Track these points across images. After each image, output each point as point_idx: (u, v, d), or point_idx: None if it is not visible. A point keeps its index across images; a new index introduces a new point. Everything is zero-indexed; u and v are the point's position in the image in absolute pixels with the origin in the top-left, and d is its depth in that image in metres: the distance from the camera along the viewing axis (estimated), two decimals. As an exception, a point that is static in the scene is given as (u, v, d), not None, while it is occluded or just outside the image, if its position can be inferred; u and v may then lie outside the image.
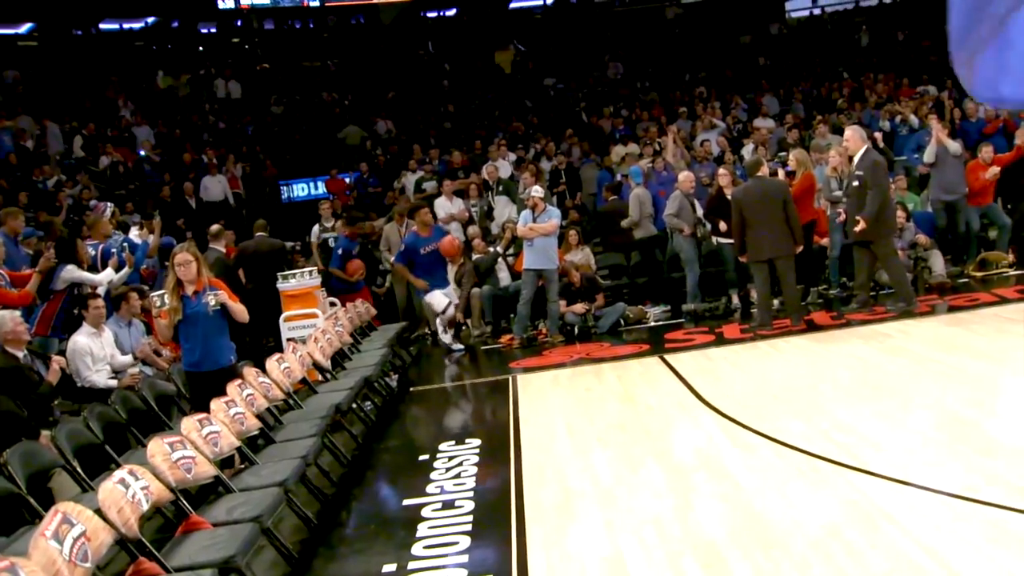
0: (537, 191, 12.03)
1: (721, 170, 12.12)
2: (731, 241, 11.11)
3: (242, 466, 5.97)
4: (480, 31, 26.24)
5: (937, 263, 11.67)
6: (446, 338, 12.23)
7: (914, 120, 16.08)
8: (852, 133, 10.70)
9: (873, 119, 17.76)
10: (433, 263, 11.95)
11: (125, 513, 4.25)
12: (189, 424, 5.48)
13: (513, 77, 24.39)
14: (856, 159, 10.40)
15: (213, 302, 6.73)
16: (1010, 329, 9.15)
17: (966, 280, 11.98)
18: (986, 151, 12.82)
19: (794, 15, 28.45)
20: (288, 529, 5.71)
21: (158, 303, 6.78)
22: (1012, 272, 12.25)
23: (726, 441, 6.63)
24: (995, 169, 12.48)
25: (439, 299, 11.92)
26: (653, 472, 6.14)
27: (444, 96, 22.77)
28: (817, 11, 28.67)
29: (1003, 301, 10.47)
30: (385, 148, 19.42)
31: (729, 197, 11.16)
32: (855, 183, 10.36)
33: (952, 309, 10.32)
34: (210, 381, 6.73)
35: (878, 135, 14.39)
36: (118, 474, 4.49)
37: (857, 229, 10.14)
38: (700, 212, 12.47)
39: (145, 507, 4.49)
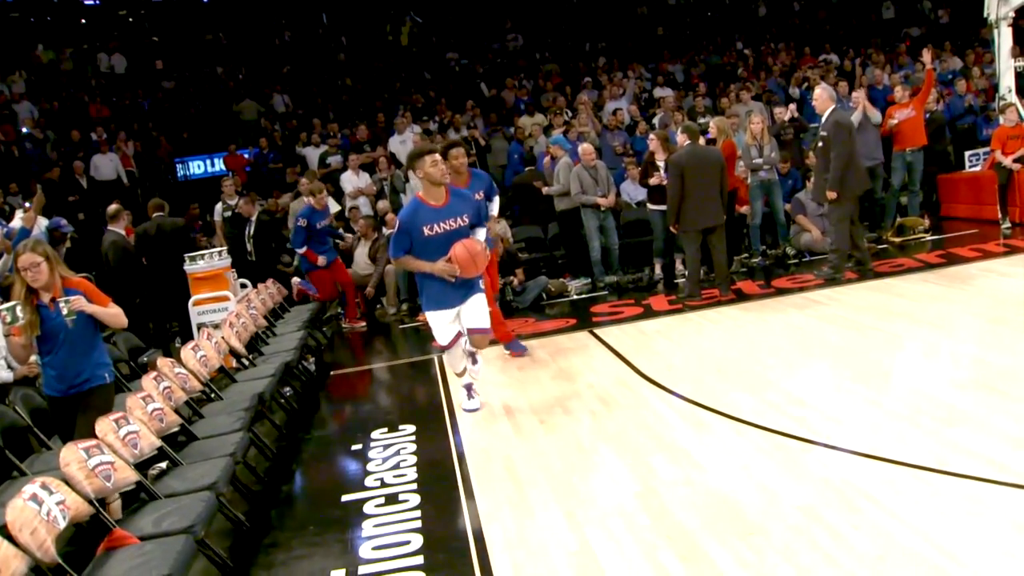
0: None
1: (652, 136, 11.81)
2: (663, 208, 10.77)
3: (163, 467, 5.43)
4: (376, 3, 25.49)
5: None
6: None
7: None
8: (820, 92, 10.63)
9: (779, 87, 17.79)
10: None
11: (40, 535, 3.73)
12: (105, 425, 4.90)
13: (410, 50, 23.79)
14: (823, 119, 10.33)
15: (66, 311, 5.40)
16: (942, 295, 9.13)
17: (885, 246, 11.96)
18: (899, 91, 12.92)
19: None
20: (217, 534, 5.20)
21: (8, 318, 5.32)
22: (929, 237, 12.33)
23: (678, 419, 6.33)
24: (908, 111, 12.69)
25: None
26: (607, 457, 5.81)
27: (341, 69, 22.08)
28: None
29: (928, 266, 10.47)
30: (283, 123, 18.69)
31: (660, 163, 10.88)
32: (819, 144, 10.39)
33: (878, 275, 10.22)
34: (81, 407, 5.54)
35: (792, 106, 14.42)
36: (28, 488, 3.91)
37: (830, 197, 10.11)
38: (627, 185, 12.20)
39: (62, 525, 3.96)
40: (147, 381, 5.96)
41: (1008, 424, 5.37)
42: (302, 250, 11.44)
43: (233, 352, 8.17)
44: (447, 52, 22.73)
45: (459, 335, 6.98)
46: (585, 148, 12.28)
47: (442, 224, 6.70)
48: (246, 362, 8.25)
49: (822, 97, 10.41)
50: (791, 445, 5.55)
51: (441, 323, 6.95)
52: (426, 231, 6.67)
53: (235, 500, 5.57)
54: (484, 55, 22.79)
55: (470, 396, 7.34)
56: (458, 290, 6.83)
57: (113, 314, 5.67)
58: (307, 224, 11.30)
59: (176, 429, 5.82)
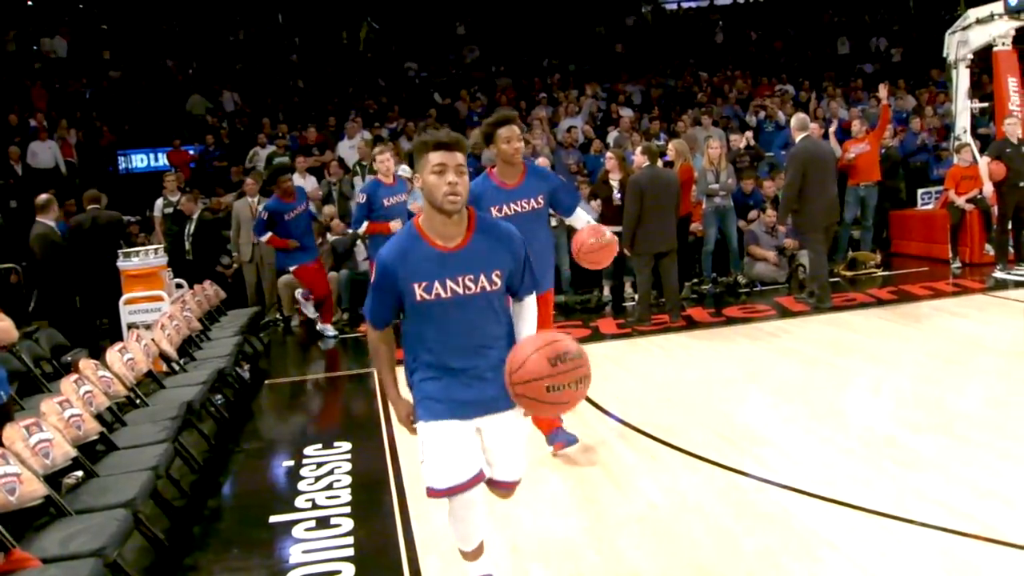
0: (405, 170, 11.25)
1: (609, 154, 11.60)
2: (616, 230, 10.52)
3: (79, 475, 5.05)
4: (333, 7, 25.10)
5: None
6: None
7: (781, 117, 16.07)
8: (793, 121, 10.59)
9: (735, 114, 17.74)
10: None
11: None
12: (13, 433, 4.49)
13: (365, 55, 23.44)
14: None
15: None
16: (895, 332, 9.01)
17: (836, 279, 11.85)
18: (857, 124, 12.94)
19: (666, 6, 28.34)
20: (132, 552, 4.84)
21: None
22: (880, 272, 12.28)
23: (628, 451, 6.08)
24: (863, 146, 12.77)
25: None
26: (554, 487, 5.54)
27: (294, 70, 21.66)
28: (673, 6, 28.66)
29: (880, 302, 10.38)
30: (232, 121, 18.23)
31: (614, 182, 10.67)
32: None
33: (831, 309, 10.09)
34: None
35: (748, 134, 14.34)
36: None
37: (781, 228, 10.10)
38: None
39: (-42, 542, 3.59)
40: (66, 384, 5.56)
41: (969, 471, 5.20)
42: (265, 237, 10.74)
43: (163, 356, 7.76)
44: (405, 61, 22.42)
45: (479, 476, 3.77)
46: (541, 163, 12.02)
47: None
48: (176, 367, 7.85)
49: (792, 126, 10.38)
50: (746, 484, 5.31)
51: (442, 445, 3.72)
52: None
53: (155, 516, 5.20)
54: (439, 65, 22.52)
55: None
56: (483, 385, 3.71)
57: (2, 328, 5.20)
58: (269, 214, 10.60)
59: (95, 438, 5.40)
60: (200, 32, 22.98)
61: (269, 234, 10.62)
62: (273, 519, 5.38)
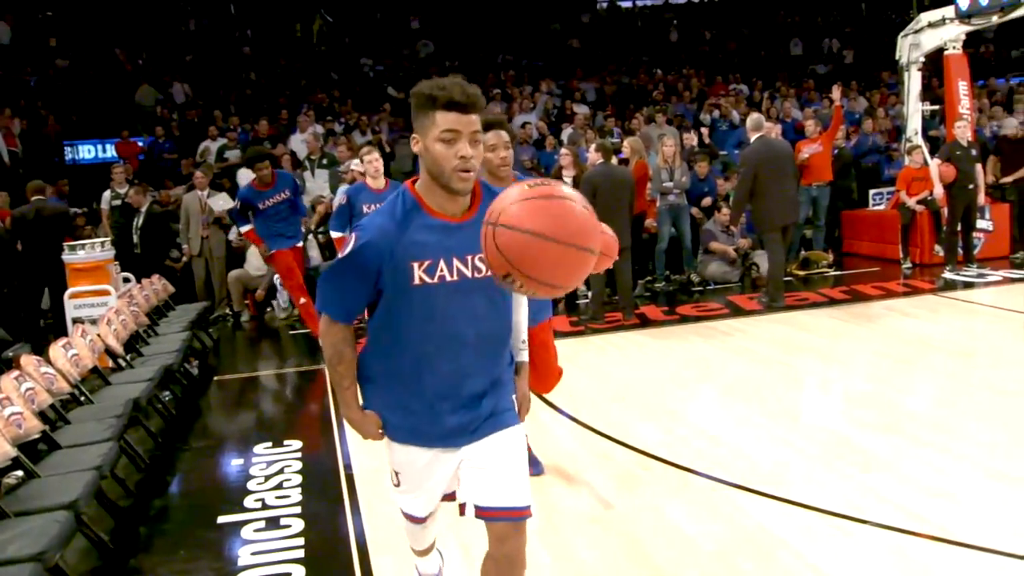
0: (358, 165, 11.13)
1: (564, 150, 11.58)
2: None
3: (20, 475, 4.90)
4: (286, -1, 24.87)
5: (764, 262, 11.56)
6: None
7: (735, 116, 16.14)
8: (749, 121, 10.65)
9: (688, 112, 17.79)
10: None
11: None
12: (-48, 430, 4.37)
13: (319, 48, 23.22)
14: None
15: None
16: (847, 331, 9.07)
17: (789, 279, 11.91)
18: (810, 124, 13.02)
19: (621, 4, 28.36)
20: (75, 556, 4.72)
21: None
22: (832, 272, 12.38)
23: (582, 450, 6.04)
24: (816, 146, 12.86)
25: None
26: (507, 486, 5.47)
27: (245, 63, 21.40)
28: (628, 3, 28.71)
29: (832, 302, 10.45)
30: (182, 113, 17.96)
31: (568, 179, 10.63)
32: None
33: (784, 308, 10.14)
34: None
35: (704, 131, 14.39)
36: None
37: (734, 228, 10.13)
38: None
39: None
40: (6, 381, 5.39)
41: (920, 471, 5.22)
42: (244, 229, 10.09)
43: (109, 352, 7.59)
44: (358, 55, 22.25)
45: (452, 495, 3.19)
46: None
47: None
48: (123, 363, 7.68)
49: (748, 126, 10.43)
50: (700, 483, 5.29)
51: (414, 478, 3.16)
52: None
53: (99, 517, 5.07)
54: (393, 59, 22.37)
55: None
56: (476, 404, 2.99)
57: None
58: (242, 204, 9.93)
59: (37, 436, 5.26)
60: (150, 21, 22.61)
61: (248, 226, 9.99)
62: (222, 519, 5.27)
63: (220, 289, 12.29)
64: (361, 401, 3.09)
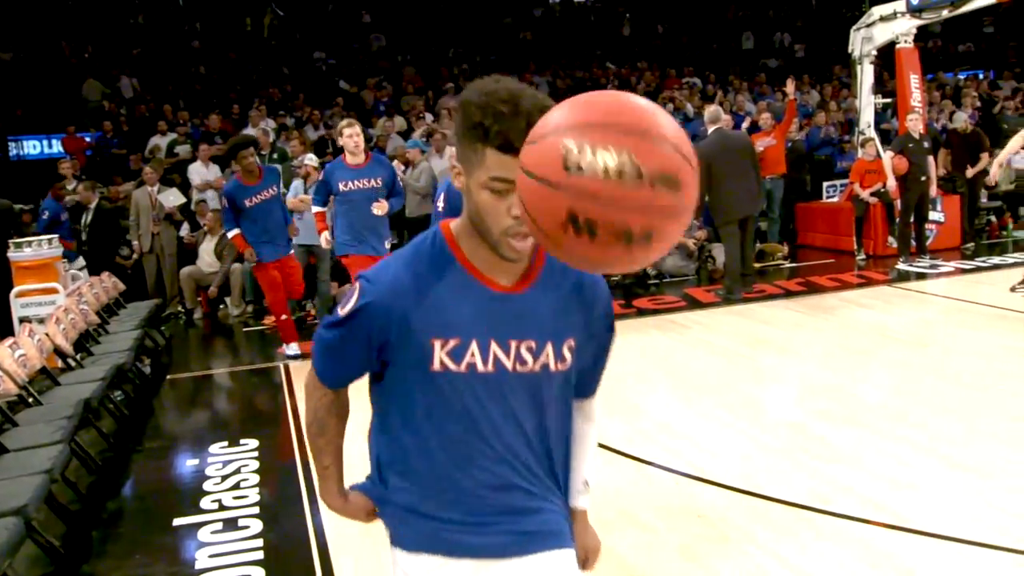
0: (311, 159, 11.04)
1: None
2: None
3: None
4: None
5: (720, 254, 11.59)
6: None
7: (689, 109, 16.19)
8: (706, 114, 10.72)
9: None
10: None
11: None
12: None
13: (270, 42, 22.99)
14: None
15: None
16: (805, 323, 9.12)
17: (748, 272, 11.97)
18: (764, 117, 13.09)
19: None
20: (25, 563, 4.59)
21: None
22: (787, 264, 12.46)
23: (544, 445, 5.98)
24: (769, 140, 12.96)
25: None
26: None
27: (195, 57, 21.12)
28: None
29: (788, 293, 10.51)
30: (130, 107, 17.66)
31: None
32: None
33: (741, 300, 10.17)
34: None
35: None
36: None
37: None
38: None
39: None
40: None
41: (881, 461, 5.24)
42: (232, 233, 8.94)
43: (58, 351, 7.41)
44: (310, 49, 22.05)
45: None
46: (455, 154, 11.92)
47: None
48: (73, 363, 7.51)
49: (705, 119, 10.52)
50: (664, 477, 5.27)
51: None
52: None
53: (50, 522, 4.94)
54: (345, 53, 22.20)
55: None
56: (515, 522, 2.09)
57: None
58: (227, 200, 8.82)
59: (-16, 439, 5.13)
60: (96, 14, 22.25)
61: (236, 230, 8.81)
62: (177, 522, 5.16)
63: (171, 286, 12.09)
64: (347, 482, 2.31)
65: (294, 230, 9.58)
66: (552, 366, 2.03)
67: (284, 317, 9.16)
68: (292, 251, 9.33)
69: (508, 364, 1.99)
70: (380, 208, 8.00)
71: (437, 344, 1.96)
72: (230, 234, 9.00)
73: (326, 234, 8.55)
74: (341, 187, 8.09)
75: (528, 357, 2.00)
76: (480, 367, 1.98)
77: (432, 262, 2.00)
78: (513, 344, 1.99)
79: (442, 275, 1.99)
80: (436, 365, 1.97)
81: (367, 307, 1.98)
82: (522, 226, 1.81)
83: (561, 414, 2.15)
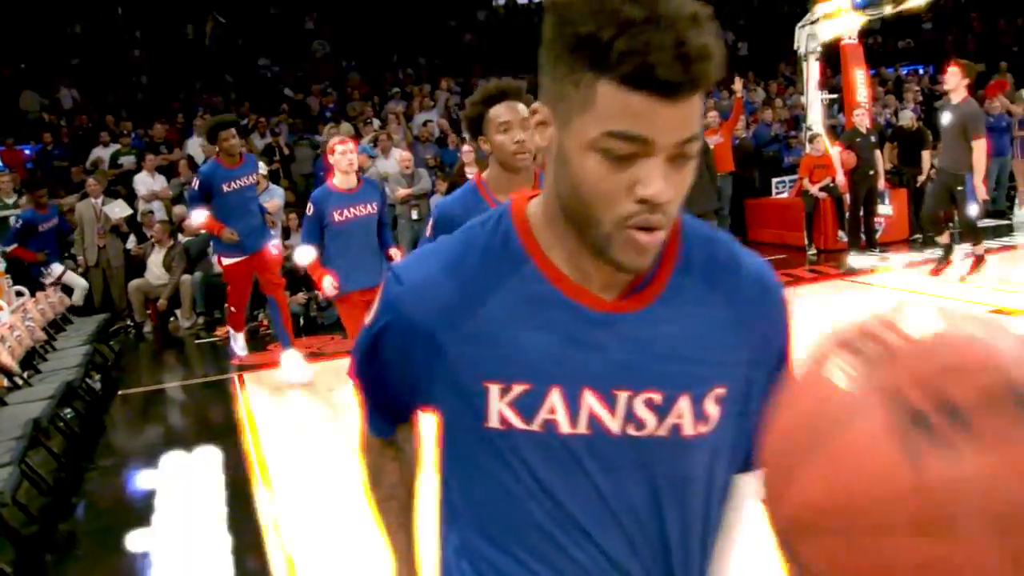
0: (260, 168, 10.87)
1: (466, 147, 11.49)
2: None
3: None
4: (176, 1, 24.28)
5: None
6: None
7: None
8: None
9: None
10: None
11: None
12: None
13: (212, 50, 22.76)
14: None
15: None
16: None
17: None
18: (711, 115, 13.16)
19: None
20: (-23, 588, 4.45)
21: None
22: (739, 261, 12.51)
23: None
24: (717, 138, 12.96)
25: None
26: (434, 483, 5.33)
27: (136, 66, 20.83)
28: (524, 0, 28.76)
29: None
30: (71, 119, 17.36)
31: (471, 176, 10.54)
32: None
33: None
34: None
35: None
36: None
37: None
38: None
39: None
40: None
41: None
42: (200, 220, 8.10)
43: (4, 370, 7.22)
44: (253, 56, 21.86)
45: None
46: (404, 156, 11.97)
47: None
48: (19, 381, 7.32)
49: None
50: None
51: None
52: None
53: (1, 546, 4.79)
54: (289, 60, 22.04)
55: None
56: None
57: None
58: (201, 183, 8.01)
59: (-70, 463, 4.96)
60: (32, 24, 21.86)
61: (206, 215, 7.99)
62: (133, 540, 5.04)
63: (120, 299, 11.87)
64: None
65: (272, 221, 9.25)
66: (688, 428, 1.29)
67: (234, 310, 8.73)
68: (269, 242, 8.49)
69: (614, 425, 1.27)
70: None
71: (494, 390, 1.27)
72: (199, 218, 8.10)
73: (330, 279, 6.46)
74: (336, 218, 6.52)
75: (648, 416, 1.27)
76: (565, 427, 1.27)
77: (490, 260, 1.31)
78: (622, 396, 1.26)
79: (504, 281, 1.29)
80: (493, 421, 1.28)
81: (384, 329, 1.37)
82: (654, 211, 1.18)
83: (706, 504, 1.36)
